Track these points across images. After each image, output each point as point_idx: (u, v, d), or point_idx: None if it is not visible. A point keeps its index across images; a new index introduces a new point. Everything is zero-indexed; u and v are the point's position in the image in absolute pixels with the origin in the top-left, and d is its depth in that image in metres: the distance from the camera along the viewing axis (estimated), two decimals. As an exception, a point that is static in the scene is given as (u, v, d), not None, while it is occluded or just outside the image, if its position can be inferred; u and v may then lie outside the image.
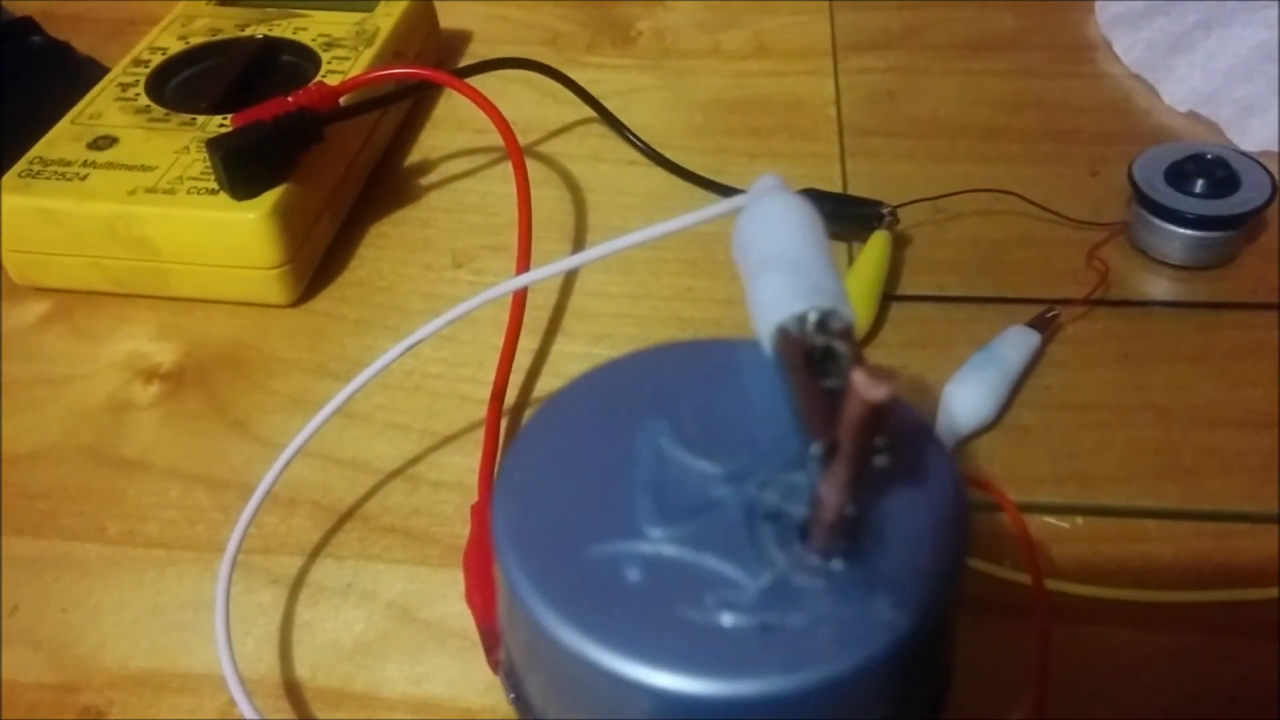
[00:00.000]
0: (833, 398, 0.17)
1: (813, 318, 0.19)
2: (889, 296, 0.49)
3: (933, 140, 0.59)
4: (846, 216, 0.51)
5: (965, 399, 0.42)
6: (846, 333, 0.19)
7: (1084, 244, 0.51)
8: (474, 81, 0.49)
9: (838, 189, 0.56)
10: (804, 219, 0.20)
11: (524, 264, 0.45)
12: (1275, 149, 0.56)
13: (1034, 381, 0.45)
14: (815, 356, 0.18)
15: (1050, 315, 0.47)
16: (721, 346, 0.21)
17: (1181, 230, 0.49)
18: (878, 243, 0.48)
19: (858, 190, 0.55)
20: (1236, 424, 0.43)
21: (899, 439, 0.17)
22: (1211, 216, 0.48)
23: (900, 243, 0.52)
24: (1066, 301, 0.48)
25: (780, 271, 0.19)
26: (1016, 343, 0.45)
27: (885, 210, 0.50)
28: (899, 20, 0.70)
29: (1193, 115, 0.60)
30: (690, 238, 0.51)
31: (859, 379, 0.15)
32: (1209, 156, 0.50)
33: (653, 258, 0.51)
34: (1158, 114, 0.61)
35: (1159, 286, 0.50)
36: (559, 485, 0.19)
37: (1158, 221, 0.49)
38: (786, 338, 0.19)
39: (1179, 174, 0.50)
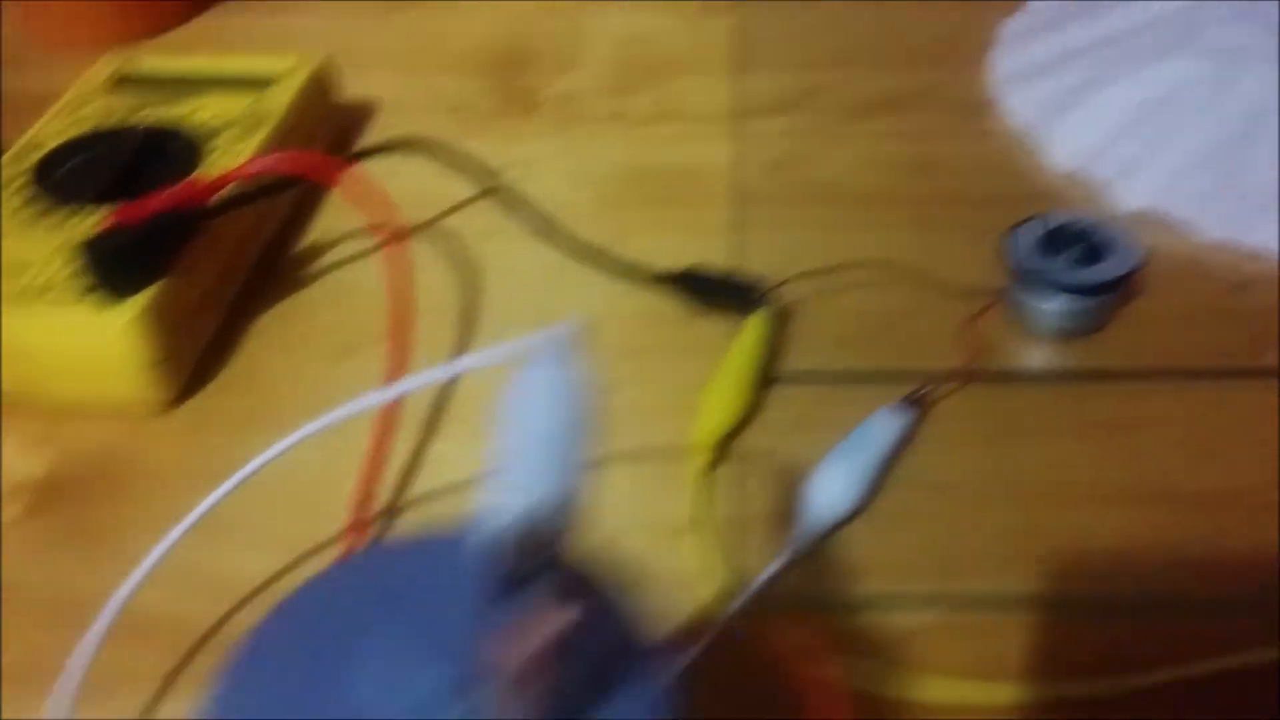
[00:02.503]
0: (519, 620, 0.17)
1: (519, 530, 0.19)
2: (771, 378, 0.49)
3: (828, 207, 0.60)
4: (729, 296, 0.51)
5: (828, 488, 0.42)
6: (549, 554, 0.19)
7: (969, 314, 0.52)
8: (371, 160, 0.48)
9: (732, 260, 0.56)
10: (561, 404, 0.20)
11: (398, 367, 0.45)
12: (1155, 207, 0.56)
13: (906, 462, 0.46)
14: (515, 573, 0.18)
15: (922, 393, 0.47)
16: (454, 540, 0.21)
17: (1053, 299, 0.49)
18: (754, 327, 0.49)
19: (752, 261, 0.55)
20: (1107, 500, 0.44)
21: (602, 658, 0.17)
22: (1081, 284, 0.48)
23: (787, 317, 0.52)
24: (940, 378, 0.48)
25: (512, 468, 0.19)
26: (887, 424, 0.45)
27: (763, 292, 0.49)
28: (801, 81, 0.70)
29: (1078, 174, 0.60)
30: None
31: (537, 610, 0.15)
32: (1080, 225, 0.50)
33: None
34: (1046, 174, 0.62)
35: (1033, 356, 0.51)
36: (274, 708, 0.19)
37: (1030, 291, 0.49)
38: (491, 547, 0.19)
39: (1051, 243, 0.50)
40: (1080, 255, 0.50)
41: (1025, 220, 0.52)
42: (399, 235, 0.47)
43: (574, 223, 0.58)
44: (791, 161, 0.63)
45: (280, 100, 0.59)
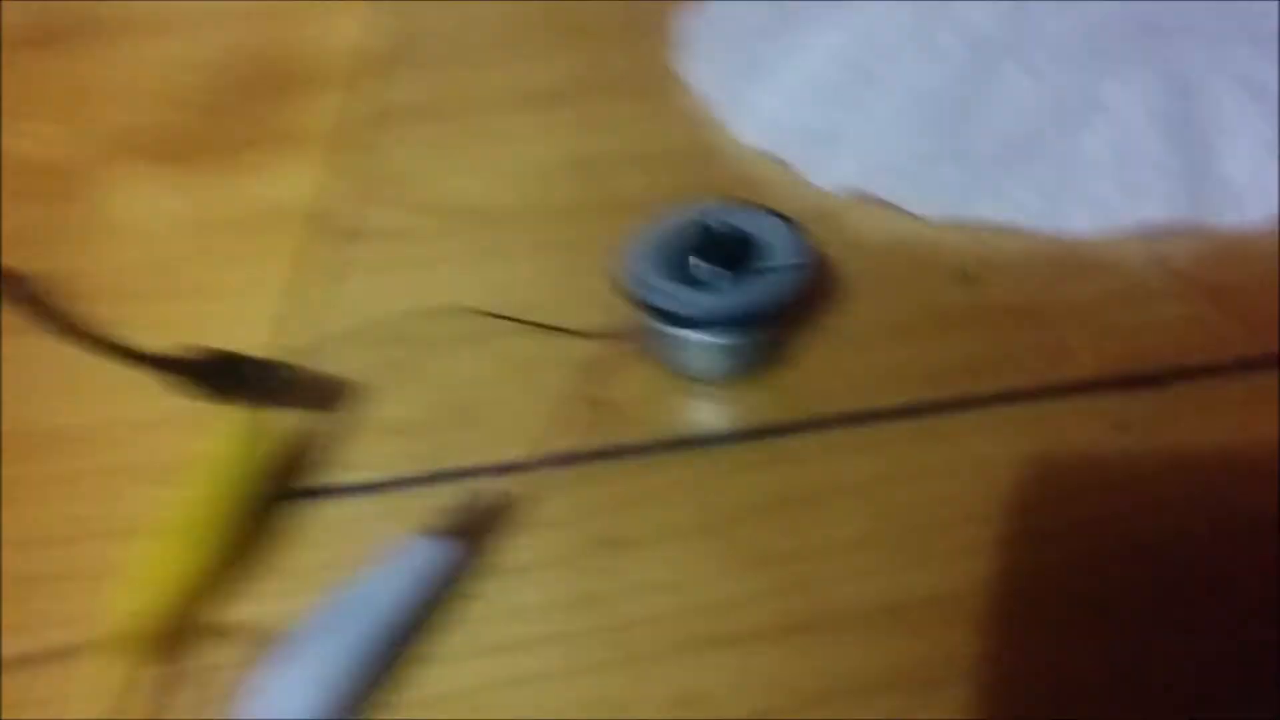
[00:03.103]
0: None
1: None
2: (287, 495, 0.34)
3: (433, 241, 0.45)
4: (232, 381, 0.35)
5: (285, 700, 0.25)
6: None
7: (597, 363, 0.37)
8: None
9: (278, 325, 0.41)
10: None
11: None
12: (857, 185, 0.40)
13: (463, 613, 0.31)
14: None
15: (483, 507, 0.32)
16: None
17: (691, 334, 0.33)
18: (234, 425, 0.31)
19: (309, 314, 0.41)
20: (770, 633, 0.29)
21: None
22: (723, 314, 0.31)
23: (328, 400, 0.37)
24: (530, 466, 0.33)
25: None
26: (404, 572, 0.30)
27: (251, 369, 0.32)
28: (448, 79, 0.56)
29: (768, 155, 0.43)
30: None
31: None
32: (718, 227, 0.33)
33: None
34: (731, 160, 0.47)
35: (671, 416, 0.36)
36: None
37: (661, 325, 0.32)
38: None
39: (683, 255, 0.35)
40: (720, 271, 0.35)
41: (648, 224, 0.37)
42: None
43: (95, 297, 0.42)
44: (401, 181, 0.49)
45: None
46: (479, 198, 0.46)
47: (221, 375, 0.34)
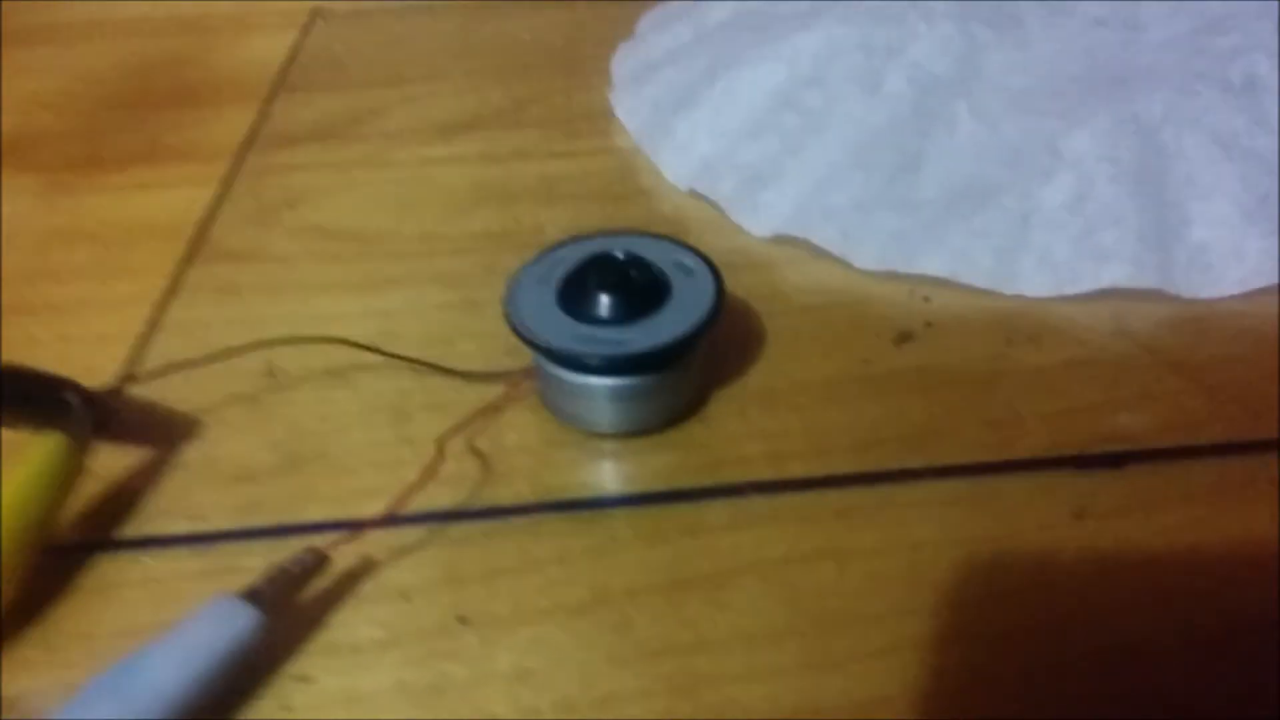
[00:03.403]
0: None
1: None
2: (99, 543, 0.29)
3: (311, 265, 0.41)
4: (54, 409, 0.30)
5: None
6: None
7: (479, 410, 0.32)
8: None
9: (138, 341, 0.37)
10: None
11: None
12: (791, 231, 0.35)
13: (275, 697, 0.25)
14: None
15: (303, 563, 0.26)
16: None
17: (584, 379, 0.29)
18: (39, 456, 0.24)
19: (174, 339, 0.37)
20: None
21: None
22: (623, 356, 0.26)
23: (171, 435, 0.32)
24: (373, 524, 0.28)
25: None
26: (199, 644, 0.24)
27: (71, 397, 0.26)
28: (351, 104, 0.52)
29: (697, 194, 0.38)
30: None
31: None
32: (626, 261, 0.28)
33: None
34: (655, 199, 0.43)
35: (559, 474, 0.31)
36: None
37: (552, 367, 0.27)
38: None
39: (584, 291, 0.31)
40: (622, 309, 0.31)
41: (538, 258, 0.33)
42: None
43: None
44: (295, 205, 0.44)
45: None
46: (376, 225, 0.41)
47: (28, 399, 0.28)
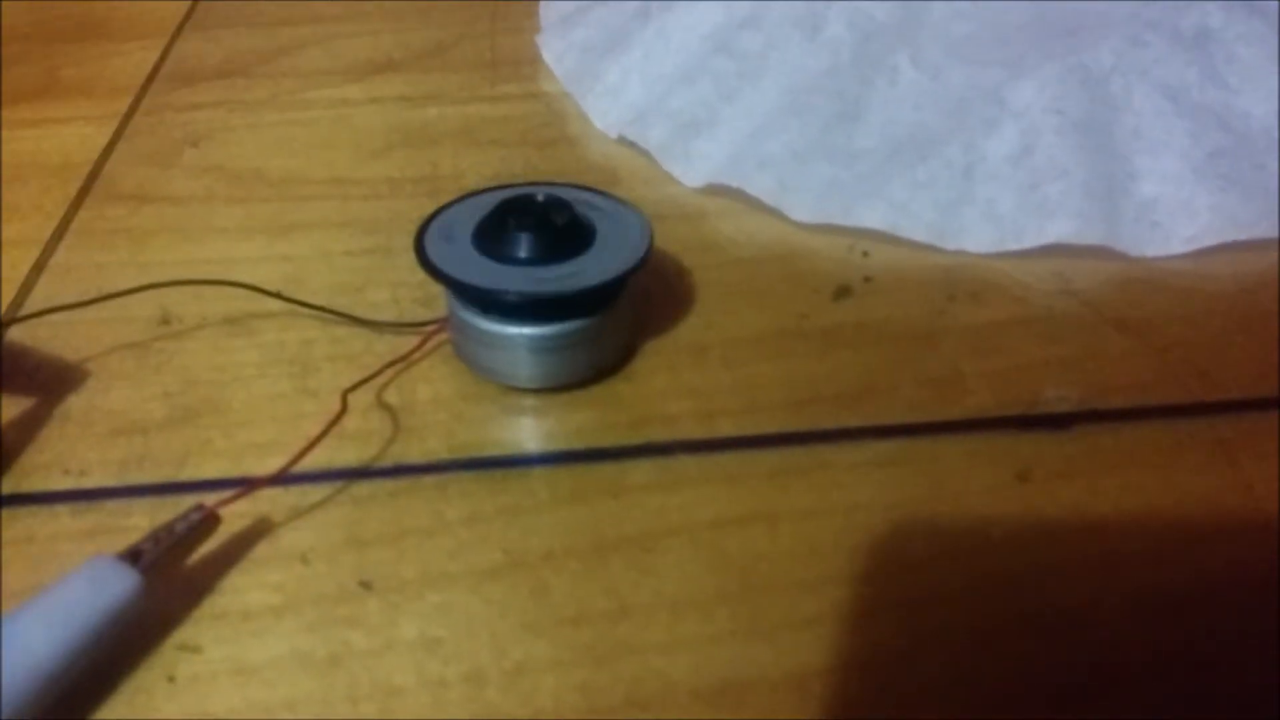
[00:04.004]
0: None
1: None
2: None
3: (213, 207, 0.38)
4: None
5: None
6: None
7: (387, 361, 0.30)
8: None
9: (23, 283, 0.34)
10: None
11: None
12: (725, 181, 0.33)
13: (158, 668, 0.23)
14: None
15: (189, 522, 0.24)
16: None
17: (501, 326, 0.26)
18: None
19: (62, 282, 0.34)
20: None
21: None
22: (542, 297, 0.23)
23: (52, 383, 0.30)
24: (267, 482, 0.25)
25: None
26: (71, 607, 0.22)
27: None
28: (264, 42, 0.49)
29: (625, 142, 0.36)
30: None
31: None
32: (540, 200, 0.26)
33: None
34: (582, 147, 0.41)
35: (473, 430, 0.29)
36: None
37: (467, 314, 0.24)
38: None
39: (504, 233, 0.29)
40: (542, 251, 0.28)
41: (458, 200, 0.31)
42: None
43: None
44: (199, 144, 0.42)
45: None
46: (284, 167, 0.39)
47: None
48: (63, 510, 0.25)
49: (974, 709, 0.21)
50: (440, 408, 0.28)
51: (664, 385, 0.29)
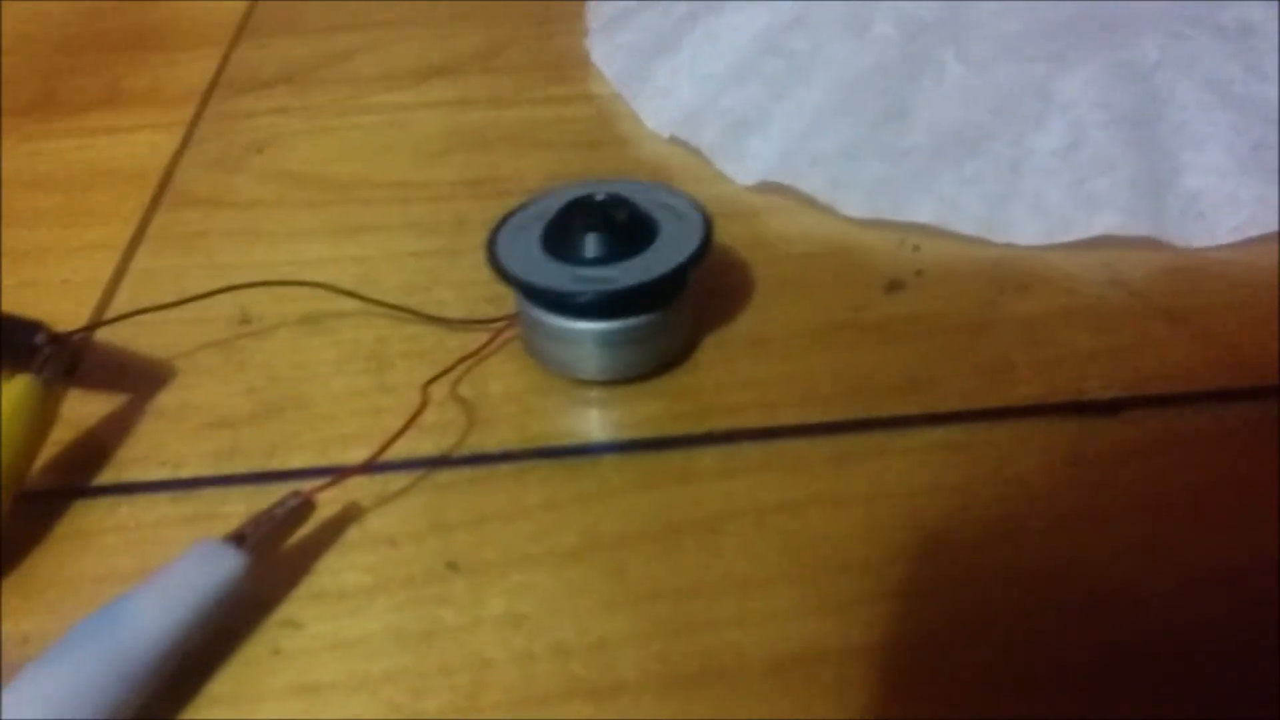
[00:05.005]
0: None
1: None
2: (73, 489, 0.28)
3: (283, 210, 0.40)
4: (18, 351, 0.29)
5: None
6: None
7: (461, 357, 0.31)
8: None
9: (107, 286, 0.36)
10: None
11: None
12: (777, 179, 0.35)
13: (264, 643, 0.24)
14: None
15: (287, 507, 0.25)
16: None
17: (571, 323, 0.28)
18: (9, 399, 0.25)
19: (144, 285, 0.36)
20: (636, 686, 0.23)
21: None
22: (610, 295, 0.25)
23: (143, 381, 0.31)
24: (355, 471, 0.27)
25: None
26: (184, 586, 0.23)
27: (41, 339, 0.25)
28: (319, 48, 0.51)
29: (677, 141, 0.37)
30: None
31: None
32: (611, 203, 0.27)
33: None
34: (635, 146, 0.42)
35: (546, 421, 0.30)
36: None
37: (537, 312, 0.26)
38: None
39: (570, 232, 0.30)
40: (607, 248, 0.30)
41: (524, 205, 0.32)
42: None
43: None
44: (263, 149, 0.43)
45: None
46: (348, 171, 0.40)
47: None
48: (162, 499, 0.27)
49: (1029, 685, 0.22)
50: (512, 400, 0.29)
51: (725, 377, 0.30)
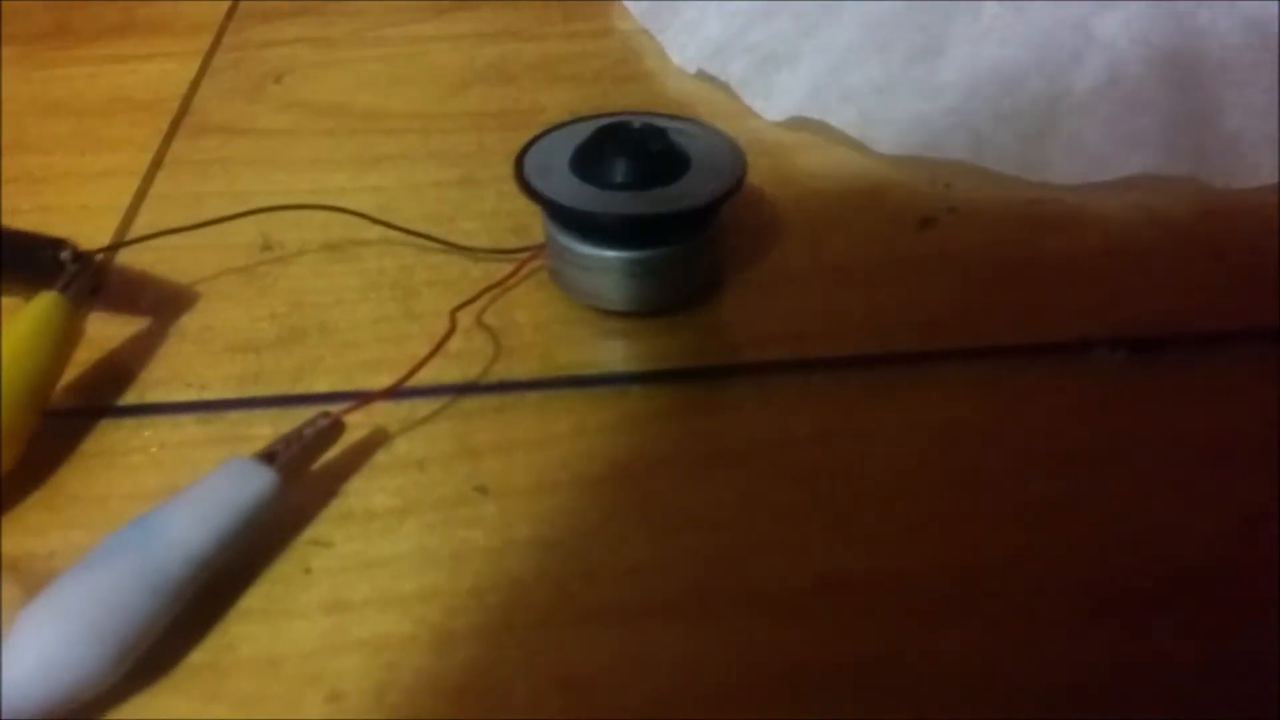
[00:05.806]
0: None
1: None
2: (99, 409, 0.28)
3: (301, 139, 0.39)
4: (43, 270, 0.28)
5: (40, 648, 0.20)
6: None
7: (487, 285, 0.31)
8: None
9: (127, 212, 0.35)
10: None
11: None
12: (807, 114, 0.34)
13: (294, 561, 0.24)
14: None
15: (317, 428, 0.25)
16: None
17: (600, 250, 0.27)
18: (35, 314, 0.23)
19: (164, 210, 0.35)
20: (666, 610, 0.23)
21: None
22: (639, 218, 0.24)
23: (166, 303, 0.31)
24: (382, 396, 0.27)
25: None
26: (213, 502, 0.23)
27: (66, 256, 0.24)
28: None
29: (706, 75, 0.36)
30: None
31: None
32: (637, 127, 0.26)
33: None
34: (659, 81, 0.41)
35: (576, 350, 0.30)
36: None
37: (565, 239, 0.25)
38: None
39: (600, 159, 0.29)
40: (637, 176, 0.29)
41: (553, 128, 0.31)
42: None
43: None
44: (283, 79, 0.43)
45: None
46: (367, 101, 0.40)
47: (22, 258, 0.26)
48: (188, 420, 0.27)
49: (1059, 618, 0.22)
50: (538, 330, 0.29)
51: (754, 311, 0.29)
